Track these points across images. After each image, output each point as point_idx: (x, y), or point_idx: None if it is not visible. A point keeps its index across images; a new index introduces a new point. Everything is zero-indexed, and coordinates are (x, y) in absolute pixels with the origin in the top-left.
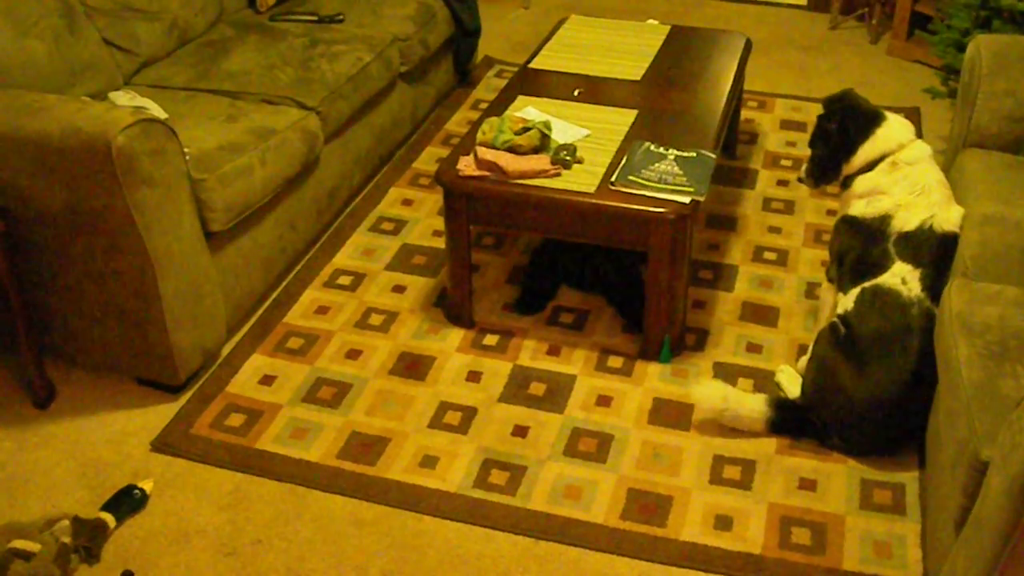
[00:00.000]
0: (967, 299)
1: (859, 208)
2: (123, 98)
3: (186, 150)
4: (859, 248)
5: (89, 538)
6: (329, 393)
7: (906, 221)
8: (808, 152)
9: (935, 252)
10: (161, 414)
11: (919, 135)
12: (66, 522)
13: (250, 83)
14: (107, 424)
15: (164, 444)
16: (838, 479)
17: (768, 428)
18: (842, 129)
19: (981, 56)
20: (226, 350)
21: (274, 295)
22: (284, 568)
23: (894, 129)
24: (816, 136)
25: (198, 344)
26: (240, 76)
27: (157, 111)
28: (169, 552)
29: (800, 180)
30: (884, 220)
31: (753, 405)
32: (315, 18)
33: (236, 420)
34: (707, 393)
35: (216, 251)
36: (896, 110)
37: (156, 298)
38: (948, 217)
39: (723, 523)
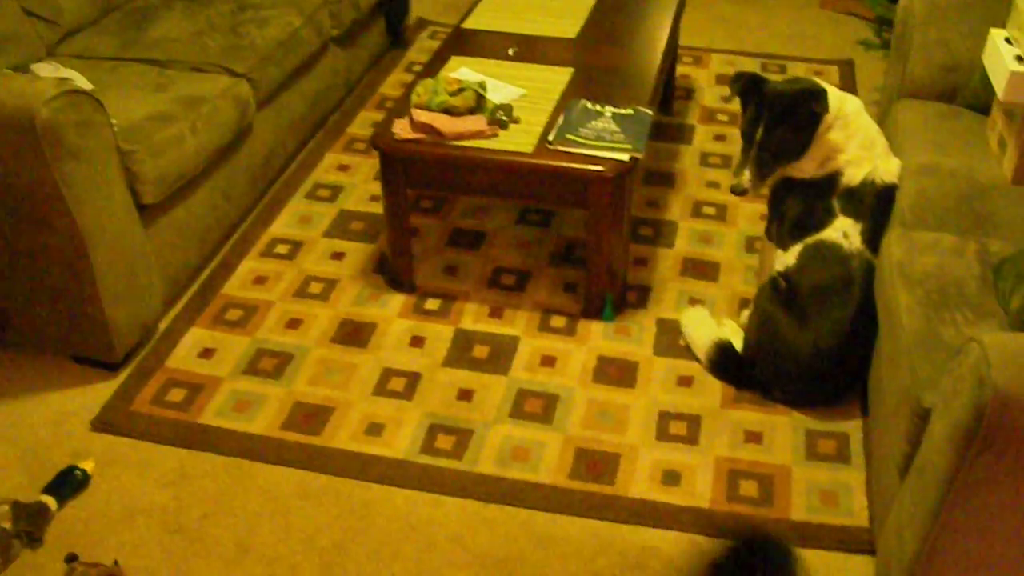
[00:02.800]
0: (906, 249)
1: (811, 170)
2: (46, 69)
3: (114, 121)
4: (803, 205)
5: (31, 522)
6: (271, 364)
7: (853, 176)
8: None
9: (875, 205)
10: (100, 392)
11: (853, 88)
12: (6, 507)
13: (178, 51)
14: (44, 405)
15: (104, 423)
16: (783, 431)
17: (708, 368)
18: (815, 106)
19: (914, 7)
20: (164, 324)
21: (211, 267)
22: (232, 542)
23: (831, 88)
24: (774, 125)
25: (135, 319)
26: (167, 44)
27: (82, 82)
28: (114, 532)
29: (739, 192)
30: (832, 177)
31: (706, 339)
32: None
33: (177, 395)
34: (686, 315)
35: (149, 224)
36: (830, 63)
37: (89, 274)
38: (888, 169)
39: (671, 479)
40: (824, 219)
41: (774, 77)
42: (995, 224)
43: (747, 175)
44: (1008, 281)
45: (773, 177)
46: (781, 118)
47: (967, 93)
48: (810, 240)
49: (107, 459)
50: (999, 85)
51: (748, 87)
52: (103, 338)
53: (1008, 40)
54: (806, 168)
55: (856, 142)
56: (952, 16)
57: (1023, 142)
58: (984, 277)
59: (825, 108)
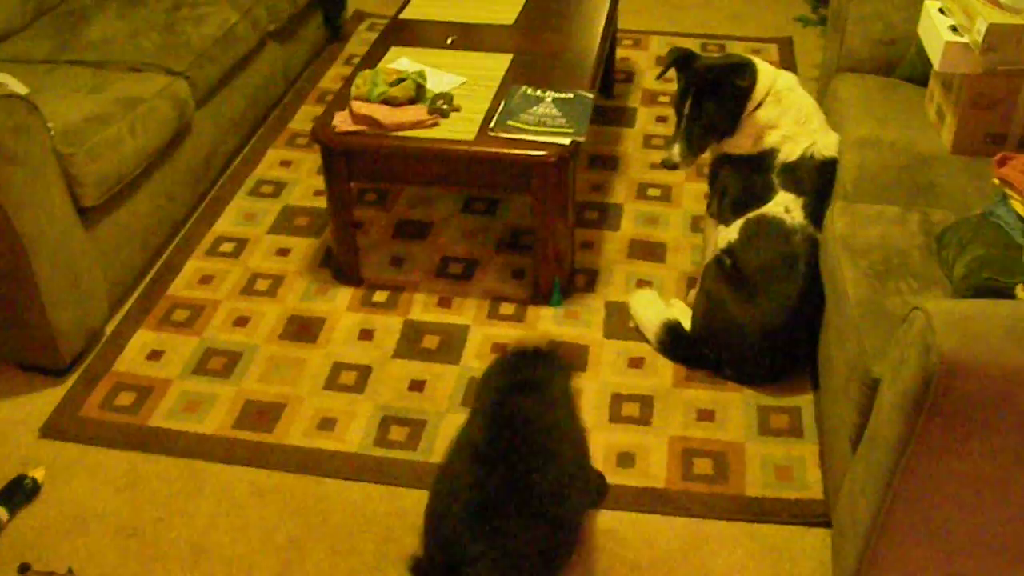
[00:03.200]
0: (849, 221)
1: (746, 146)
2: None
3: (50, 125)
4: (742, 182)
5: None
6: (220, 363)
7: (791, 152)
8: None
9: (816, 179)
10: (48, 399)
11: (792, 64)
12: None
13: (114, 51)
14: None
15: (53, 429)
16: (735, 408)
17: (658, 348)
18: (743, 84)
19: None
20: (110, 328)
21: (155, 268)
22: (188, 544)
23: (764, 65)
24: (702, 102)
25: (80, 324)
26: (103, 45)
27: (17, 86)
28: (67, 539)
29: (671, 166)
30: (770, 153)
31: (654, 320)
32: None
33: (126, 399)
34: (634, 297)
35: (91, 227)
36: (769, 40)
37: (31, 280)
38: (827, 143)
39: (626, 460)
40: (765, 194)
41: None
42: (936, 194)
43: (677, 149)
44: (951, 249)
45: (705, 151)
46: (707, 92)
47: (904, 65)
48: (752, 215)
49: (58, 466)
50: (935, 56)
51: (680, 62)
52: (48, 344)
53: (942, 11)
54: (742, 144)
55: (790, 118)
56: None
57: (961, 112)
58: (927, 246)
59: (748, 81)
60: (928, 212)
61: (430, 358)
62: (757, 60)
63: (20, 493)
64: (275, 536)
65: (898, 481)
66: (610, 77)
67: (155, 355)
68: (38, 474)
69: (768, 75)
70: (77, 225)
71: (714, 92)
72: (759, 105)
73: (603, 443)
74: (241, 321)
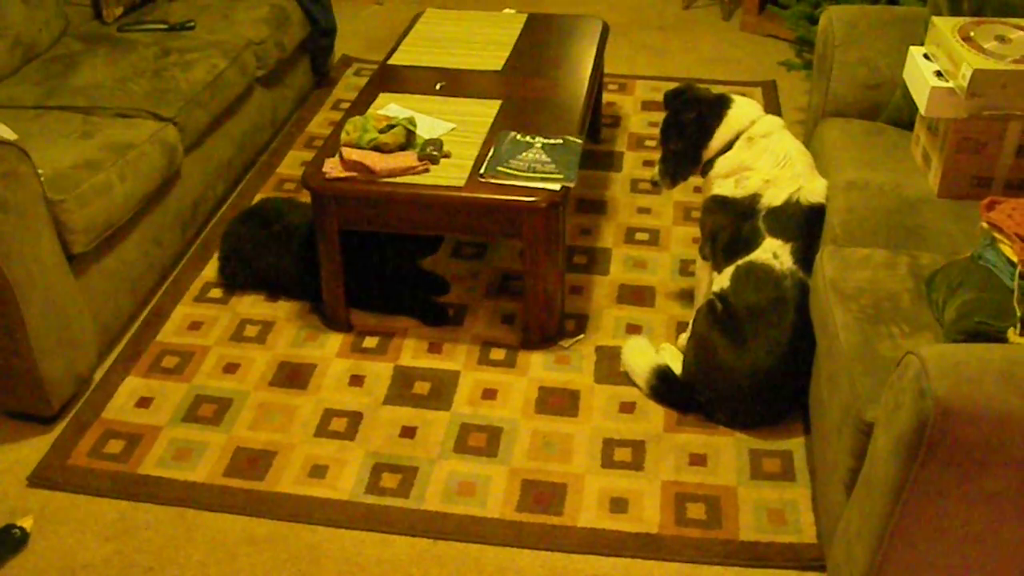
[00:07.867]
0: (838, 265)
1: (728, 188)
2: None
3: (40, 171)
4: (731, 226)
5: None
6: (209, 410)
7: (774, 197)
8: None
9: (803, 225)
10: (36, 447)
11: (777, 108)
12: None
13: (102, 97)
14: None
15: (41, 478)
16: (727, 452)
17: (649, 394)
18: (696, 118)
19: (833, 27)
20: (99, 375)
21: (144, 314)
22: None
23: (742, 108)
24: (669, 132)
25: (69, 371)
26: (91, 91)
27: (6, 132)
28: None
29: (654, 184)
30: (754, 198)
31: (644, 366)
32: (165, 26)
33: (115, 446)
34: (627, 345)
35: (80, 273)
36: (753, 84)
37: (20, 327)
38: (813, 189)
39: (619, 506)
40: (752, 240)
41: None
42: (924, 237)
43: (656, 170)
44: (940, 293)
45: (684, 179)
46: (671, 122)
47: (890, 110)
48: (741, 262)
49: (46, 515)
50: (921, 101)
51: (681, 89)
52: (37, 392)
53: (927, 56)
54: (724, 185)
55: (767, 160)
56: (871, 35)
57: (947, 156)
58: (917, 290)
59: (687, 109)
60: (916, 255)
61: (421, 404)
62: (741, 102)
63: (8, 543)
64: None
65: (894, 525)
66: (597, 121)
67: (144, 402)
68: (26, 523)
69: (741, 118)
70: (66, 272)
71: (675, 122)
72: (728, 147)
73: (596, 488)
74: (231, 368)
